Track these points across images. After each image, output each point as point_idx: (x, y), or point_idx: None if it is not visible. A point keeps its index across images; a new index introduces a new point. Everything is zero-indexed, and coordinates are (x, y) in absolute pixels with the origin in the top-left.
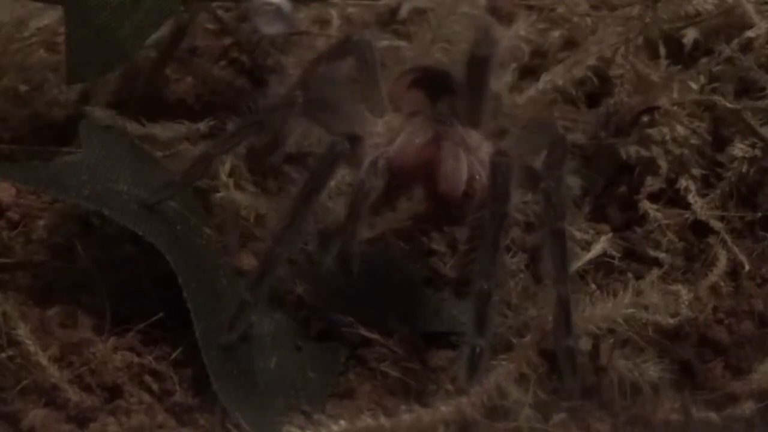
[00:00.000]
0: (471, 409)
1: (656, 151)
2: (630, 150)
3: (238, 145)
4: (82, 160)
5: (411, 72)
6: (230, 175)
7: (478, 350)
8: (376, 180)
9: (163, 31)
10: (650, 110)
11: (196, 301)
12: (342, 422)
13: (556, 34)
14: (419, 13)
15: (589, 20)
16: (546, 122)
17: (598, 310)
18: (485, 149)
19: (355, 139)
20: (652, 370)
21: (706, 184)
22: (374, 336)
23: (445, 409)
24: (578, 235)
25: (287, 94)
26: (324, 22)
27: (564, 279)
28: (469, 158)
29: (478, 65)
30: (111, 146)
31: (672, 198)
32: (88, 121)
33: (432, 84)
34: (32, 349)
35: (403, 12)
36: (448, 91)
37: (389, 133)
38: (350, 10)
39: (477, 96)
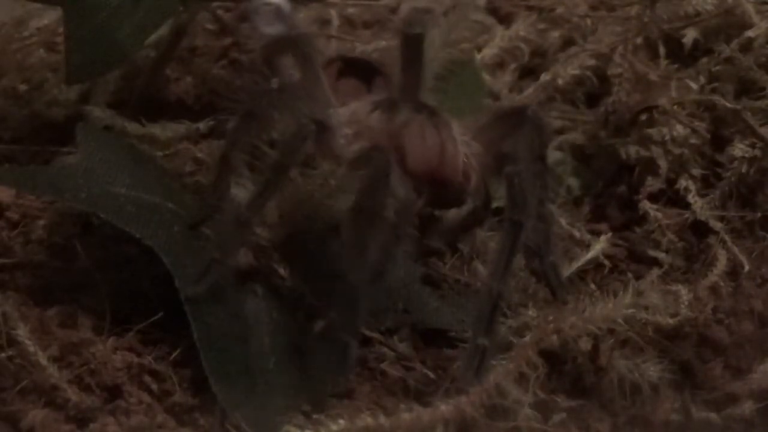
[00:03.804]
0: (470, 408)
1: (656, 151)
2: (630, 150)
3: (245, 140)
4: (78, 163)
5: (332, 63)
6: None
7: (483, 350)
8: (408, 192)
9: (163, 31)
10: (649, 109)
11: (193, 303)
12: (341, 422)
13: (555, 34)
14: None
15: (588, 21)
16: (517, 106)
17: (598, 310)
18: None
19: (322, 126)
20: (652, 370)
21: (706, 184)
22: (374, 335)
23: (444, 408)
24: (578, 235)
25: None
26: (324, 22)
27: (504, 276)
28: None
29: (413, 44)
30: (108, 148)
31: (672, 198)
32: (85, 124)
33: (360, 70)
34: (32, 349)
35: (403, 12)
36: (377, 74)
37: (357, 124)
38: (350, 10)
39: (413, 75)
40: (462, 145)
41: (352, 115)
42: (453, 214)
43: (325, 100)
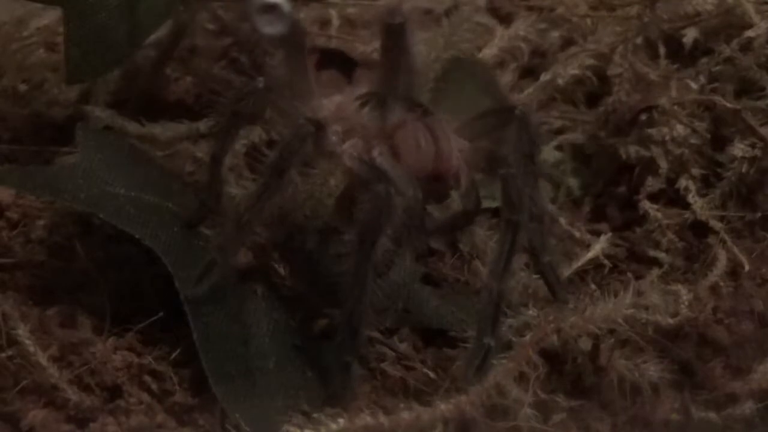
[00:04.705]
0: (470, 407)
1: (656, 151)
2: (630, 150)
3: (235, 139)
4: (78, 164)
5: (311, 54)
6: (230, 170)
7: (487, 349)
8: (417, 191)
9: (163, 31)
10: (649, 109)
11: (193, 303)
12: (341, 421)
13: (555, 34)
14: (419, 13)
15: (588, 21)
16: (504, 104)
17: (598, 310)
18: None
19: (318, 124)
20: (652, 370)
21: (706, 184)
22: (374, 335)
23: (444, 407)
24: (578, 235)
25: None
26: (324, 23)
27: (503, 276)
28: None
29: (395, 34)
30: (107, 149)
31: (672, 198)
32: (85, 124)
33: (338, 62)
34: (32, 349)
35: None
36: (356, 65)
37: (347, 120)
38: (350, 10)
39: (396, 68)
40: (454, 143)
41: (338, 110)
42: (446, 213)
43: (312, 96)
